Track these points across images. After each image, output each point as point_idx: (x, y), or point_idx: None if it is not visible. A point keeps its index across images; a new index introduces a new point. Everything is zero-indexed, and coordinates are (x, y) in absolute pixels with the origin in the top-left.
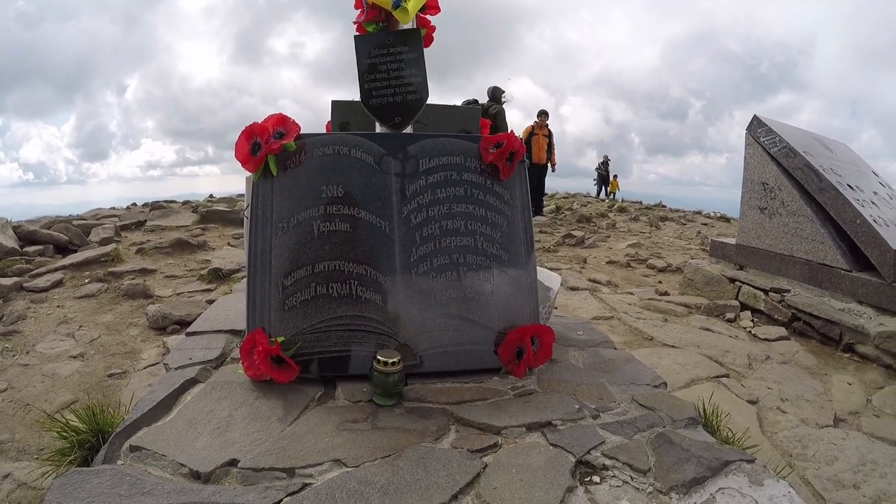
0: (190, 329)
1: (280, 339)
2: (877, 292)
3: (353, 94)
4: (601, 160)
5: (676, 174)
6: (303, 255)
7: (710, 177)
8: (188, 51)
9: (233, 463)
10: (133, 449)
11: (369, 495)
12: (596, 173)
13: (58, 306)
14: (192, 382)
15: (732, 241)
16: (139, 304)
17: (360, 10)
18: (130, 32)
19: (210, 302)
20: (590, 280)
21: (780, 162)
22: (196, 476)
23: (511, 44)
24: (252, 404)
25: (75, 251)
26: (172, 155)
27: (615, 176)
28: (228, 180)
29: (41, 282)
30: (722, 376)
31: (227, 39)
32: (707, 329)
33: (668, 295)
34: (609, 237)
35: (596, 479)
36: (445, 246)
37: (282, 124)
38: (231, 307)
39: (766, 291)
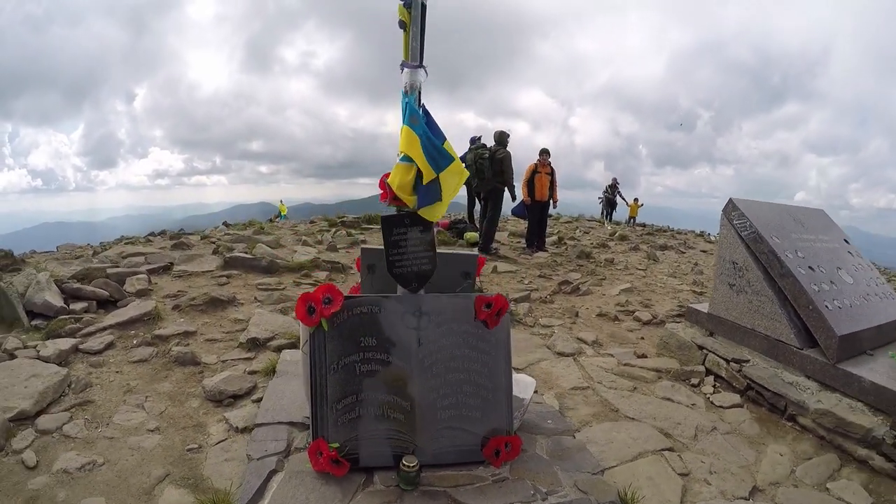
0: (258, 420)
1: (335, 445)
2: (822, 370)
3: (360, 105)
4: (609, 183)
5: (684, 186)
6: (349, 387)
7: (718, 188)
8: (197, 59)
9: None
10: None
11: None
12: (603, 197)
13: (117, 372)
14: (273, 472)
15: (706, 308)
16: (190, 371)
17: (382, 191)
18: (140, 40)
19: (252, 373)
20: (577, 339)
21: (749, 245)
22: None
23: (522, 53)
24: (320, 490)
25: (115, 303)
26: (180, 164)
27: (636, 199)
28: (236, 190)
29: (95, 344)
30: (667, 449)
31: (237, 48)
32: (668, 399)
33: (645, 357)
34: (604, 279)
35: None
36: (448, 380)
37: (329, 292)
38: (283, 396)
39: (727, 361)
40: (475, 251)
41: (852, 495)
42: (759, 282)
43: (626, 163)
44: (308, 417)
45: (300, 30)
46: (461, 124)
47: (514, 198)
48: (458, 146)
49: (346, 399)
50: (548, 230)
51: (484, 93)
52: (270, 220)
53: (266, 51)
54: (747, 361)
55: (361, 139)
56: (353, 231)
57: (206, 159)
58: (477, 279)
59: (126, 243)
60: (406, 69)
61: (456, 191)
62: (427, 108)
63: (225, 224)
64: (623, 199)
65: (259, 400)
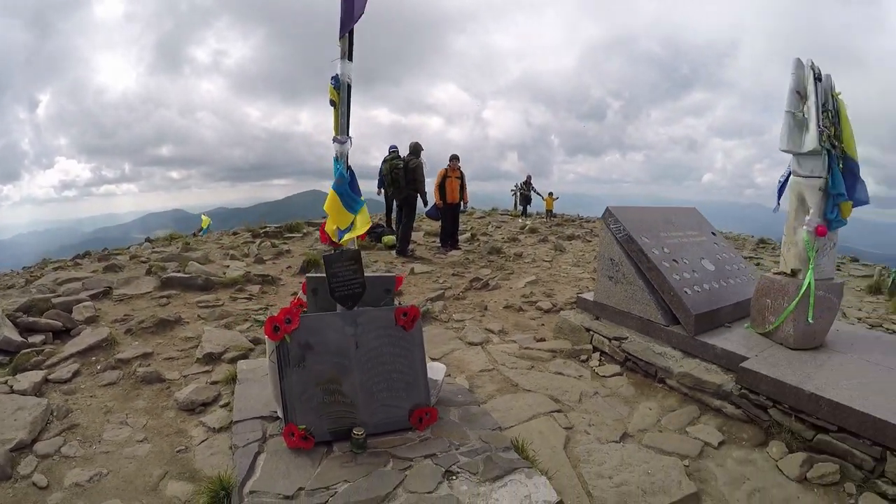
0: (234, 419)
1: (302, 426)
2: (684, 342)
3: (272, 105)
4: (523, 180)
5: (596, 172)
6: (308, 383)
7: (629, 174)
8: (104, 61)
9: (301, 488)
10: (250, 493)
11: (360, 493)
12: (518, 192)
13: (91, 396)
14: (258, 454)
15: (592, 297)
16: (158, 388)
17: (322, 236)
18: (44, 42)
19: (215, 383)
20: (486, 329)
21: (622, 245)
22: (287, 498)
23: (438, 48)
24: (295, 461)
25: (68, 332)
26: (88, 173)
27: (550, 193)
28: (147, 199)
29: (63, 373)
30: (556, 411)
31: (146, 48)
32: (559, 373)
33: (544, 341)
34: (512, 273)
35: (454, 478)
36: (380, 371)
37: (289, 314)
38: (249, 398)
39: (610, 339)
40: (393, 253)
41: (707, 435)
42: (632, 274)
43: (539, 153)
44: (275, 412)
45: (211, 28)
46: (374, 121)
47: (426, 203)
48: (374, 144)
49: (307, 392)
50: (462, 227)
51: (400, 88)
52: (194, 235)
53: (176, 51)
54: (626, 338)
55: (274, 139)
56: (276, 241)
57: (114, 167)
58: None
59: (55, 268)
60: (336, 143)
61: (366, 224)
62: (353, 169)
63: (148, 240)
64: (538, 193)
65: (226, 405)
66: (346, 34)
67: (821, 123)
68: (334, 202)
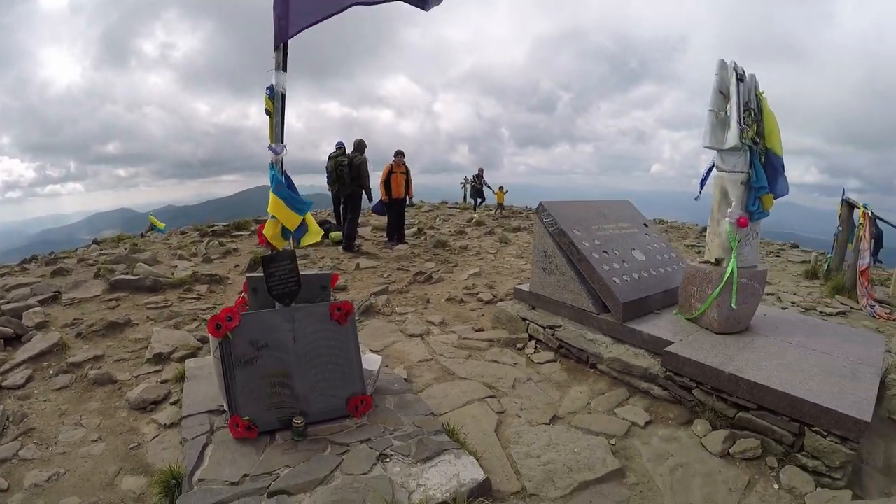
0: (183, 414)
1: (246, 417)
2: (613, 328)
3: (221, 99)
4: (475, 173)
5: (546, 164)
6: (250, 376)
7: (579, 165)
8: (49, 55)
9: (246, 475)
10: (199, 481)
11: (300, 477)
12: (469, 186)
13: (45, 400)
14: (206, 445)
15: (528, 288)
16: (110, 389)
17: (260, 238)
18: None
19: (164, 382)
20: (427, 321)
21: (554, 237)
22: (233, 484)
23: (390, 40)
24: (241, 450)
25: (19, 338)
26: (32, 173)
27: (501, 187)
28: (93, 198)
29: (16, 379)
30: (489, 397)
31: (92, 41)
32: (495, 361)
33: (482, 331)
34: (456, 266)
35: (387, 460)
36: (317, 363)
37: (230, 312)
38: (197, 394)
39: (544, 327)
40: (340, 249)
41: (634, 415)
42: (564, 265)
43: (490, 145)
44: (222, 405)
45: (160, 19)
46: (325, 114)
47: (370, 199)
48: (325, 138)
49: (249, 384)
50: (409, 221)
51: (351, 82)
52: (142, 235)
53: (123, 43)
54: (560, 327)
55: (223, 134)
56: (223, 240)
57: (59, 166)
58: (338, 283)
59: (2, 274)
60: (271, 150)
61: (317, 229)
62: (289, 174)
63: (95, 242)
64: (489, 187)
65: (176, 402)
66: (281, 46)
67: (742, 121)
68: (278, 205)
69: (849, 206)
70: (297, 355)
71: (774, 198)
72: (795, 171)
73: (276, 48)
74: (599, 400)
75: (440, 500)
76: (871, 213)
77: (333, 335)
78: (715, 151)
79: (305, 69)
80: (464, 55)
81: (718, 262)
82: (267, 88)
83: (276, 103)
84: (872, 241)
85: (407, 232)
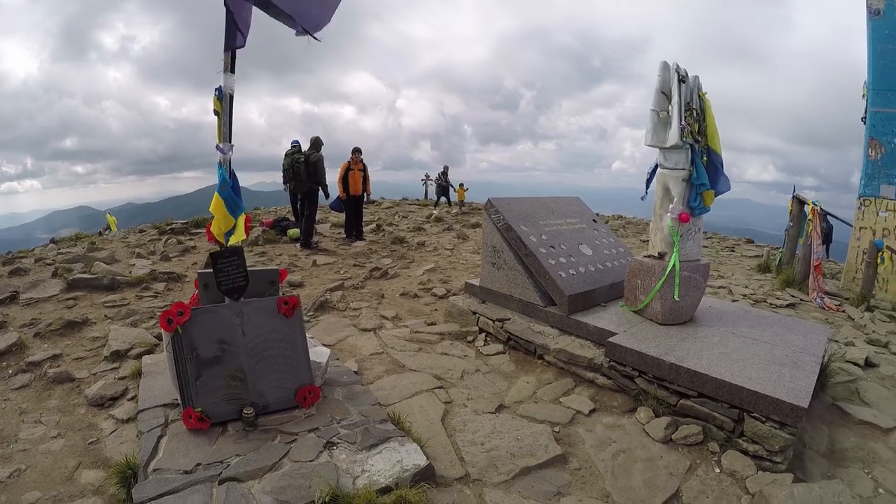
0: (139, 408)
1: (199, 409)
2: (560, 321)
3: (182, 93)
4: (441, 171)
5: (508, 161)
6: (202, 369)
7: (541, 162)
8: (5, 48)
9: (199, 464)
10: (154, 471)
11: (250, 465)
12: (434, 184)
13: (5, 399)
14: (160, 437)
15: (478, 282)
16: (69, 387)
17: (209, 236)
18: None
19: (122, 378)
20: (381, 316)
21: (502, 233)
22: (186, 473)
23: (354, 36)
24: (194, 441)
25: None
26: None
27: (461, 184)
28: (51, 196)
29: None
30: (437, 388)
31: (50, 33)
32: (445, 353)
33: (435, 325)
34: (413, 262)
35: (334, 448)
36: (266, 356)
37: (181, 307)
38: (153, 389)
39: (494, 320)
40: (298, 246)
41: (579, 404)
42: (512, 260)
43: (452, 142)
44: (176, 399)
45: (120, 11)
46: (286, 110)
47: (327, 196)
48: (286, 134)
49: (201, 377)
50: (369, 217)
51: (313, 77)
52: (100, 234)
53: (82, 36)
54: (508, 319)
55: (184, 130)
56: (182, 238)
57: (15, 162)
58: (295, 279)
59: None
60: (219, 150)
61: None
62: (235, 173)
63: (53, 241)
64: (450, 185)
65: (133, 398)
66: (230, 50)
67: (683, 121)
68: (219, 206)
69: (799, 202)
70: (247, 348)
71: (716, 194)
72: (754, 170)
73: (225, 50)
74: (546, 389)
75: (383, 485)
76: (821, 209)
77: (281, 328)
78: (658, 150)
79: (267, 64)
80: (427, 52)
81: (661, 255)
82: (216, 90)
83: (223, 104)
84: (823, 235)
85: (365, 228)
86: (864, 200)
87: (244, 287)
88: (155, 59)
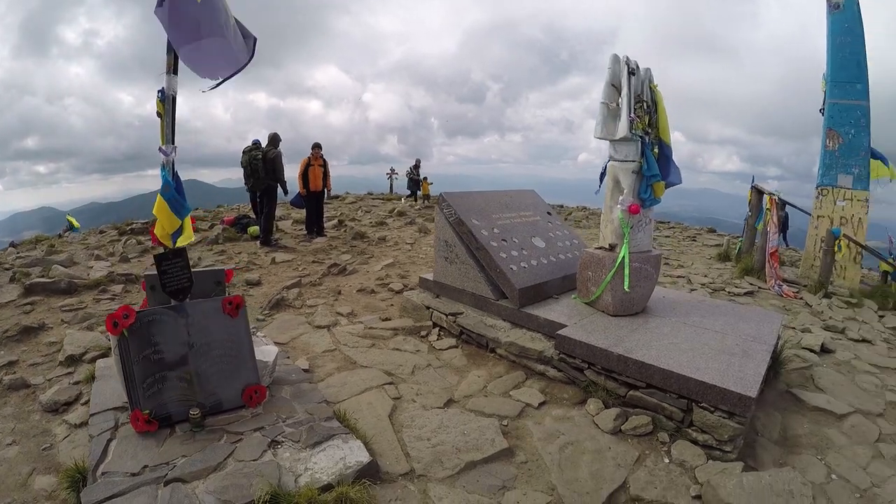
0: (91, 412)
1: (146, 411)
2: (511, 314)
3: (147, 89)
4: (413, 164)
5: (475, 154)
6: (148, 371)
7: (508, 154)
8: None
9: (146, 466)
10: (102, 474)
11: (195, 465)
12: (406, 177)
13: None
14: (110, 441)
15: (432, 277)
16: (24, 393)
17: (153, 238)
18: None
19: (76, 383)
20: (336, 313)
21: (454, 227)
22: (133, 475)
23: (321, 29)
24: (142, 443)
25: None
26: None
27: (425, 178)
28: (12, 197)
29: None
30: (388, 384)
31: (12, 28)
32: (398, 349)
33: (389, 320)
34: (372, 257)
35: (278, 447)
36: (212, 355)
37: (126, 310)
38: (105, 392)
39: (447, 315)
40: (257, 244)
41: (529, 397)
42: (464, 254)
43: (419, 135)
44: (126, 401)
45: (83, 5)
46: (252, 105)
47: (286, 193)
48: (252, 129)
49: (148, 379)
50: (332, 213)
51: (279, 70)
52: (60, 235)
53: (44, 31)
54: (461, 314)
55: (148, 127)
56: (142, 238)
57: None
58: (253, 277)
59: None
60: (161, 152)
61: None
62: (178, 174)
63: (13, 245)
64: (423, 179)
65: (86, 402)
66: (172, 50)
67: (632, 113)
68: (163, 208)
69: (758, 192)
70: (193, 349)
71: (666, 186)
72: (718, 161)
73: (168, 52)
74: (496, 383)
75: (325, 483)
76: (779, 198)
77: (226, 328)
78: (608, 142)
79: None
80: (395, 45)
81: (612, 247)
82: (158, 91)
83: (166, 106)
84: (780, 223)
85: (327, 224)
86: (822, 190)
87: (189, 288)
88: (119, 54)
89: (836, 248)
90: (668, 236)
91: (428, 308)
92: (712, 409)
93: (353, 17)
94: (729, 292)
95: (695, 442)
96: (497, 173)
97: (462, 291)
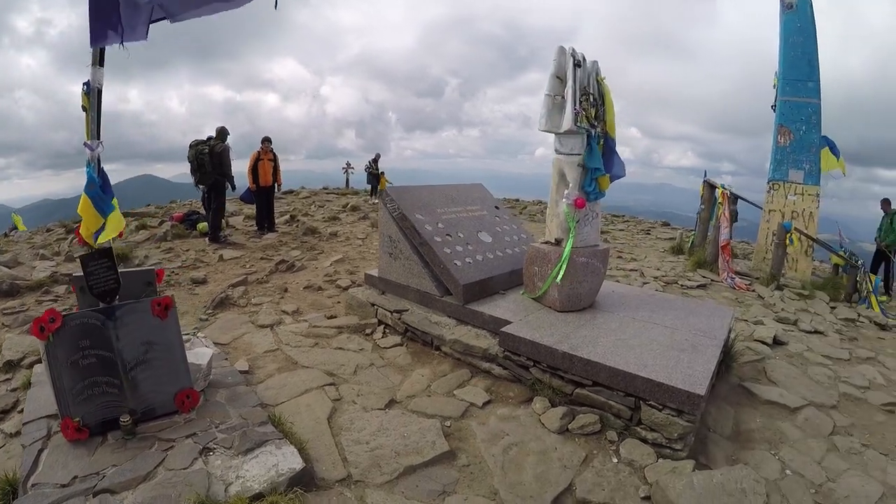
0: (24, 420)
1: (77, 419)
2: (456, 310)
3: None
4: (372, 158)
5: (433, 148)
6: (77, 378)
7: (465, 149)
8: None
9: (76, 476)
10: (33, 486)
11: (125, 475)
12: (366, 171)
13: None
14: (41, 450)
15: (377, 273)
16: None
17: (78, 238)
18: None
19: (13, 390)
20: (281, 311)
21: (398, 222)
22: (63, 486)
23: (281, 21)
24: (74, 452)
25: None
26: None
27: (382, 173)
28: None
29: None
30: (328, 385)
31: None
32: (341, 348)
33: (335, 318)
34: (322, 253)
35: (210, 454)
36: (142, 359)
37: (52, 314)
38: (39, 399)
39: (391, 312)
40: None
41: (474, 396)
42: (408, 250)
43: (377, 129)
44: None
45: None
46: (208, 98)
47: (233, 188)
48: (208, 123)
49: (77, 386)
50: (285, 208)
51: (236, 63)
52: (5, 235)
53: None
54: (406, 310)
55: (102, 120)
56: None
57: None
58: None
59: None
60: (87, 147)
61: (119, 226)
62: (105, 171)
63: None
64: (381, 173)
65: (23, 410)
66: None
67: (577, 105)
68: (87, 206)
69: (710, 186)
70: (122, 353)
71: (611, 179)
72: (673, 156)
73: (92, 44)
74: (440, 382)
75: (257, 491)
76: (730, 192)
77: (156, 331)
78: (554, 136)
79: (187, 49)
80: (353, 39)
81: (558, 241)
82: (84, 84)
83: (91, 99)
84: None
85: (279, 219)
86: (773, 184)
87: (116, 290)
88: (72, 44)
89: (787, 242)
90: (623, 230)
91: (373, 305)
92: (660, 407)
93: (312, 9)
94: (682, 285)
95: (644, 440)
96: (455, 168)
97: (407, 288)
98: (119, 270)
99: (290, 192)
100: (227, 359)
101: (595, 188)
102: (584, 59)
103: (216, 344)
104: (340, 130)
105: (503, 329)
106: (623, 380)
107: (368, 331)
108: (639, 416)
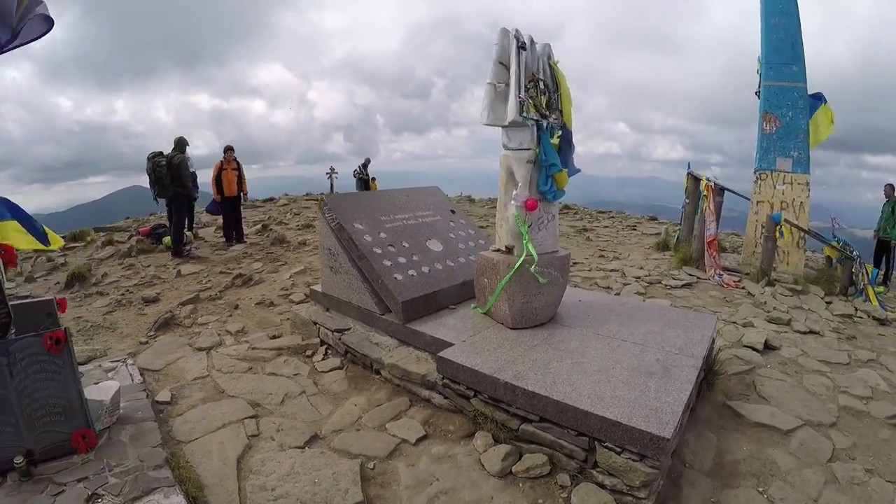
0: None
1: None
2: (397, 329)
3: (86, 93)
4: (361, 163)
5: (421, 150)
6: None
7: (454, 149)
8: None
9: None
10: None
11: None
12: (354, 176)
13: None
14: None
15: (321, 288)
16: None
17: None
18: None
19: None
20: (225, 331)
21: (336, 233)
22: None
23: (266, 26)
24: None
25: None
26: None
27: (373, 179)
28: None
29: None
30: (250, 417)
31: None
32: (274, 373)
33: (278, 337)
34: (284, 265)
35: (98, 500)
36: (37, 397)
37: None
38: None
39: (332, 331)
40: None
41: (407, 431)
42: (347, 264)
43: (365, 132)
44: None
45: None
46: (195, 107)
47: (193, 199)
48: (196, 132)
49: None
50: (260, 216)
51: (222, 69)
52: None
53: None
54: (348, 329)
55: (89, 132)
56: (52, 255)
57: None
58: (151, 294)
59: None
60: None
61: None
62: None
63: None
64: (371, 178)
65: None
66: None
67: (523, 93)
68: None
69: (694, 179)
70: (17, 391)
71: (569, 175)
72: (662, 149)
73: None
74: (373, 413)
75: None
76: (715, 184)
77: (49, 366)
78: (501, 130)
79: (173, 57)
80: (339, 42)
81: (509, 249)
82: None
83: None
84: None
85: (252, 228)
86: (760, 174)
87: (8, 324)
88: (57, 55)
89: (777, 234)
90: (608, 226)
91: (315, 324)
92: (619, 450)
93: (298, 13)
94: (666, 285)
95: (602, 486)
96: (443, 168)
97: (349, 304)
98: (13, 303)
99: (270, 199)
100: (145, 390)
101: (551, 186)
102: (531, 41)
103: (146, 371)
104: (328, 135)
105: (440, 353)
106: (573, 417)
107: (309, 352)
108: (594, 459)
